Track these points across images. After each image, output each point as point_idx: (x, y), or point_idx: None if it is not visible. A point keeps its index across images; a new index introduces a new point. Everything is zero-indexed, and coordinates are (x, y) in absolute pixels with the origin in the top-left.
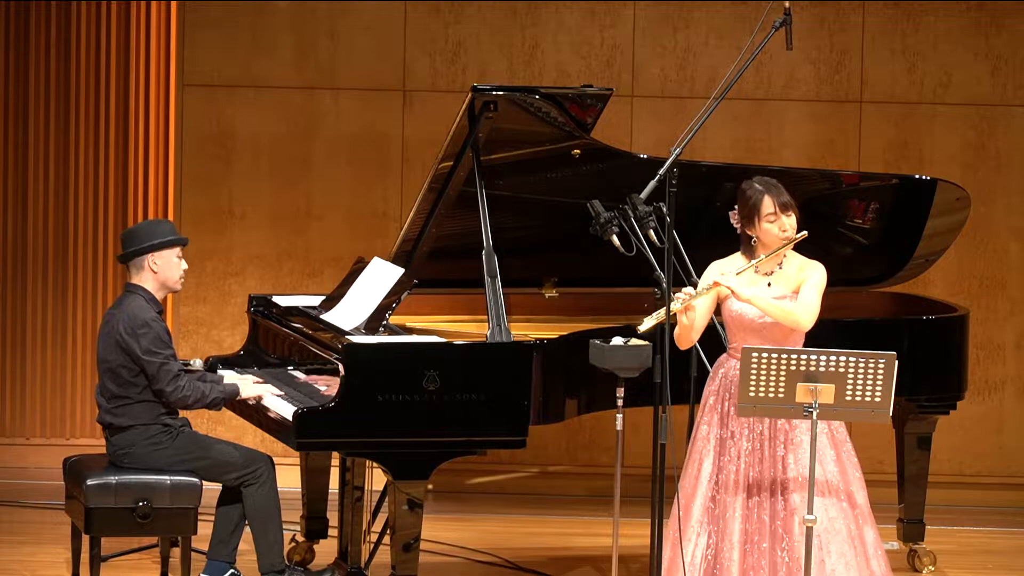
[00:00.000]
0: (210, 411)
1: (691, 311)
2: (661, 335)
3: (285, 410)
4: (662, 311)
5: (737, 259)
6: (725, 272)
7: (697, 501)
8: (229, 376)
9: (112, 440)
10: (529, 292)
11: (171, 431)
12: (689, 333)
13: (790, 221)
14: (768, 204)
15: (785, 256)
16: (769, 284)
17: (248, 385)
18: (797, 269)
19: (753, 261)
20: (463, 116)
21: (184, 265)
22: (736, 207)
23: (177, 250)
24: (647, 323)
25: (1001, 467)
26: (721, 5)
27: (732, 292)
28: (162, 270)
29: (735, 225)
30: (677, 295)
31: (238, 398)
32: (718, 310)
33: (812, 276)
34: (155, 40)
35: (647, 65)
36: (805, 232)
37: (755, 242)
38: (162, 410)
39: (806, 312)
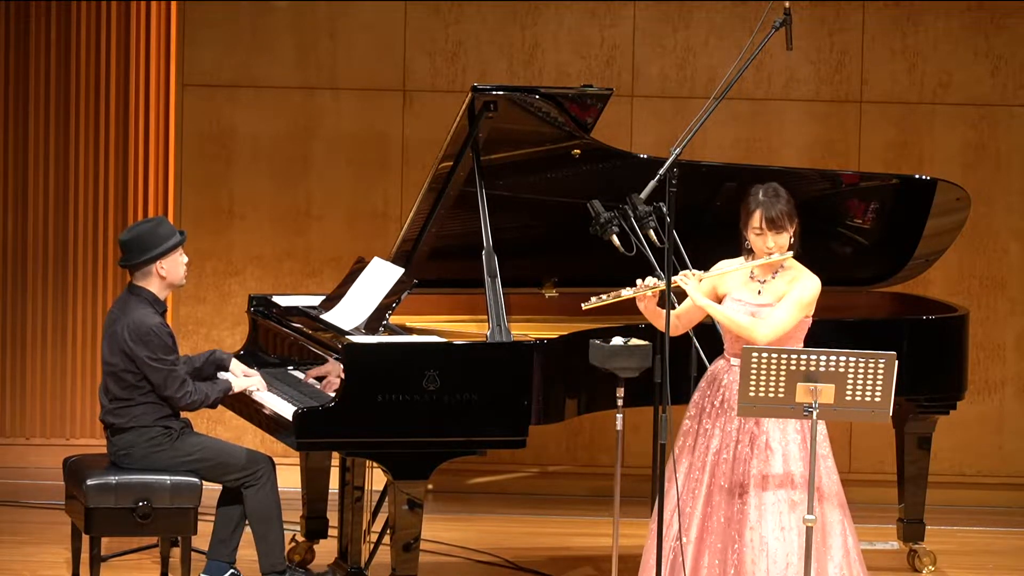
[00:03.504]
0: (210, 411)
1: (647, 302)
2: (662, 335)
3: (285, 410)
4: (607, 296)
5: (741, 261)
6: (695, 273)
7: (672, 495)
8: (230, 377)
9: (113, 440)
10: (529, 292)
11: (171, 433)
12: (656, 319)
13: (778, 239)
14: (756, 219)
15: (784, 267)
16: (760, 292)
17: (238, 380)
18: (789, 281)
19: (727, 269)
20: (463, 116)
21: (185, 259)
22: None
23: (180, 249)
24: (592, 302)
25: (1001, 467)
26: (721, 5)
27: (689, 296)
28: (170, 273)
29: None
30: (640, 281)
31: (232, 392)
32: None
33: (794, 290)
34: (155, 40)
35: (647, 65)
36: (790, 254)
37: (748, 246)
38: (163, 412)
39: (765, 327)
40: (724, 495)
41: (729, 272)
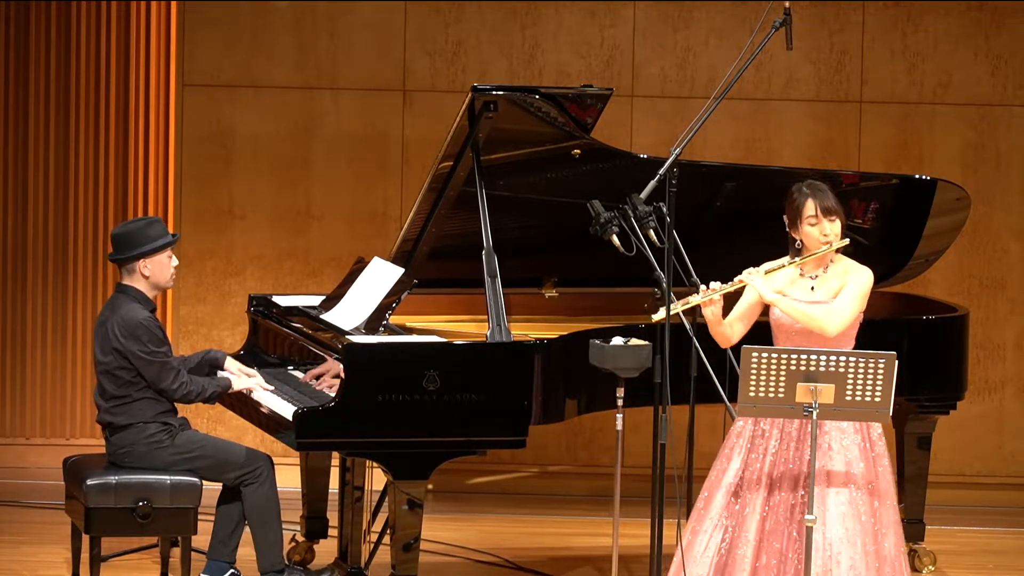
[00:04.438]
0: (210, 411)
1: (713, 306)
2: (661, 335)
3: (285, 410)
4: (677, 304)
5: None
6: (754, 271)
7: (719, 494)
8: (228, 375)
9: (112, 440)
10: (529, 292)
11: (170, 430)
12: (718, 328)
13: (832, 227)
14: (810, 207)
15: (833, 261)
16: (812, 288)
17: (239, 379)
18: (842, 273)
19: (784, 260)
20: (463, 116)
21: (175, 262)
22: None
23: (168, 250)
24: (661, 313)
25: (1001, 467)
26: (721, 5)
27: (758, 293)
28: (154, 274)
29: (787, 229)
30: (703, 287)
31: (232, 391)
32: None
33: (852, 281)
34: (155, 40)
35: (647, 65)
36: (847, 240)
37: (799, 245)
38: (161, 408)
39: (832, 318)
40: (784, 494)
41: (786, 267)
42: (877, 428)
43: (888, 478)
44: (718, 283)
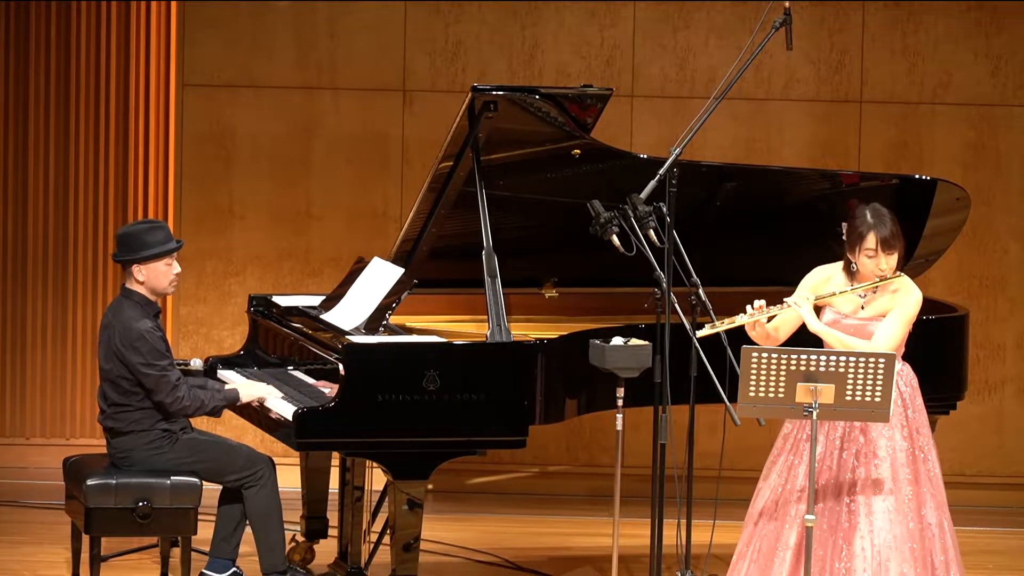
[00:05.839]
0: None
1: (759, 328)
2: (661, 335)
3: (285, 410)
4: (725, 321)
5: (839, 268)
6: (803, 296)
7: (762, 497)
8: (231, 376)
9: (112, 443)
10: (529, 292)
11: (171, 436)
12: (765, 342)
13: (889, 261)
14: (871, 240)
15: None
16: (863, 307)
17: (248, 388)
18: (892, 295)
19: (838, 292)
20: (463, 116)
21: (176, 269)
22: (845, 223)
23: (166, 258)
24: (707, 329)
25: (1001, 467)
26: (721, 5)
27: (805, 321)
28: (149, 280)
29: (843, 237)
30: (750, 307)
31: (240, 403)
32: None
33: (899, 306)
34: (155, 40)
35: (647, 65)
36: (900, 274)
37: (854, 268)
38: (161, 417)
39: (877, 348)
40: (828, 502)
41: (838, 295)
42: (925, 430)
43: (936, 484)
44: (761, 302)
